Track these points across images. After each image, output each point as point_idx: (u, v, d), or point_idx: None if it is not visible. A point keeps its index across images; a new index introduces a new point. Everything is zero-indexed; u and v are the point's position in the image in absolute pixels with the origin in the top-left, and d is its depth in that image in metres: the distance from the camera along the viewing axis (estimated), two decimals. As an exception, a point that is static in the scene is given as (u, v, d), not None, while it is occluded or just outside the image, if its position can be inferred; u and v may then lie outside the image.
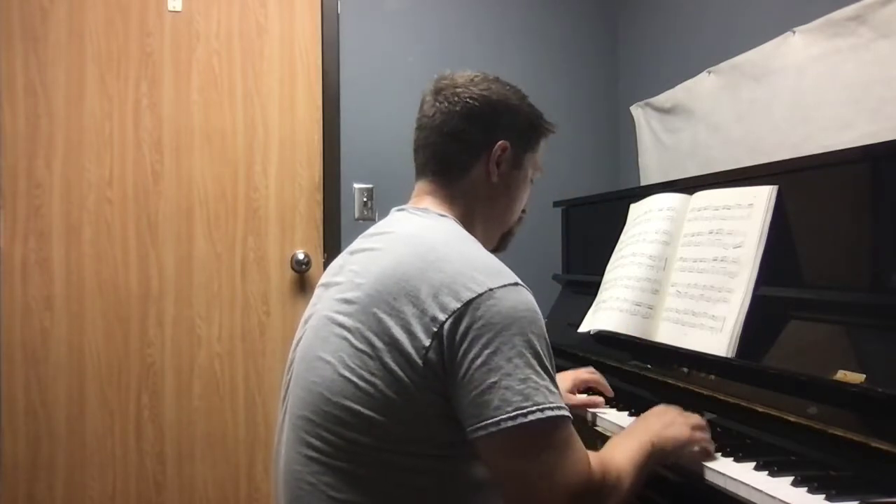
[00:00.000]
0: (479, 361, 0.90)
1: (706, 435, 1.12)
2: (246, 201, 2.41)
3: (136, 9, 2.33)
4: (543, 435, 0.90)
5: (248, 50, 2.41)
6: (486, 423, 0.89)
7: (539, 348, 0.93)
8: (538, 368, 0.91)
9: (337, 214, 2.48)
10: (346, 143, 2.49)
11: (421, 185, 1.16)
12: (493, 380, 0.89)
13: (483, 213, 1.15)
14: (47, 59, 2.26)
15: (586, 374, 1.51)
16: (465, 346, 0.91)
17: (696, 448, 1.11)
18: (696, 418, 1.15)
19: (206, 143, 2.38)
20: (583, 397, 1.48)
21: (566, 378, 1.47)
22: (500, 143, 1.12)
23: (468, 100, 1.11)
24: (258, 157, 2.42)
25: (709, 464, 1.08)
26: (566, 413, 0.92)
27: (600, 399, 1.48)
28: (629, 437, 1.07)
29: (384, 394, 0.93)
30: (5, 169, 2.23)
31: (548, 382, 0.92)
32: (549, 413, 0.89)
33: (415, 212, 1.12)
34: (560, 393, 0.94)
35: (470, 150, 1.12)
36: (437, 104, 1.12)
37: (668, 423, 1.11)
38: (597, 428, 1.40)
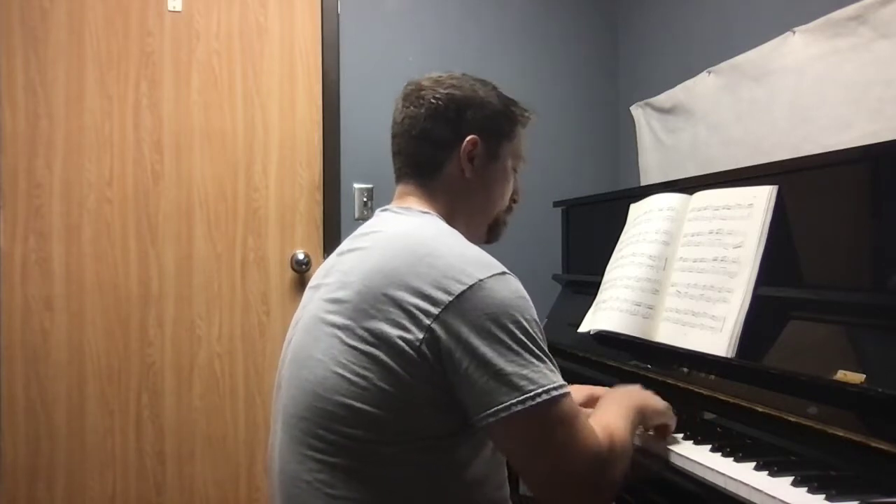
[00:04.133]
0: (479, 351, 0.92)
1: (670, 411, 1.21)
2: (246, 201, 2.41)
3: (136, 9, 2.33)
4: (553, 414, 0.93)
5: (248, 50, 2.41)
6: (496, 409, 0.91)
7: (533, 332, 0.96)
8: (537, 352, 0.95)
9: (337, 214, 2.48)
10: (346, 143, 2.49)
11: (402, 188, 1.19)
12: (497, 367, 0.92)
13: (463, 208, 1.17)
14: (47, 59, 2.26)
15: (602, 392, 1.40)
16: (462, 337, 0.93)
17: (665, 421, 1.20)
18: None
19: (206, 143, 2.38)
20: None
21: (582, 391, 1.39)
22: (469, 138, 1.14)
23: (432, 100, 1.14)
24: (258, 157, 2.42)
25: (709, 463, 1.08)
26: (568, 390, 0.96)
27: None
28: (615, 405, 1.11)
29: (379, 387, 0.94)
30: (5, 169, 2.23)
31: (547, 363, 0.96)
32: (554, 393, 0.92)
33: (399, 210, 1.15)
34: (558, 370, 0.97)
35: (440, 149, 1.15)
36: (405, 109, 1.16)
37: (647, 395, 1.20)
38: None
